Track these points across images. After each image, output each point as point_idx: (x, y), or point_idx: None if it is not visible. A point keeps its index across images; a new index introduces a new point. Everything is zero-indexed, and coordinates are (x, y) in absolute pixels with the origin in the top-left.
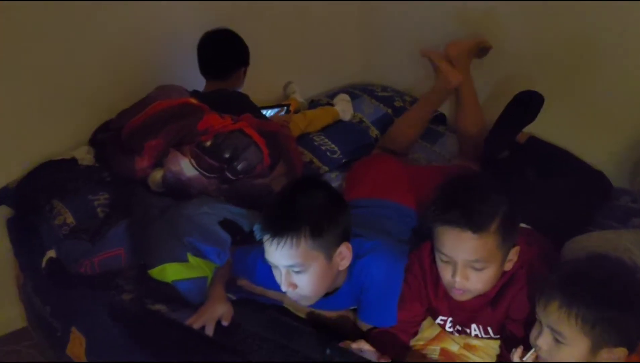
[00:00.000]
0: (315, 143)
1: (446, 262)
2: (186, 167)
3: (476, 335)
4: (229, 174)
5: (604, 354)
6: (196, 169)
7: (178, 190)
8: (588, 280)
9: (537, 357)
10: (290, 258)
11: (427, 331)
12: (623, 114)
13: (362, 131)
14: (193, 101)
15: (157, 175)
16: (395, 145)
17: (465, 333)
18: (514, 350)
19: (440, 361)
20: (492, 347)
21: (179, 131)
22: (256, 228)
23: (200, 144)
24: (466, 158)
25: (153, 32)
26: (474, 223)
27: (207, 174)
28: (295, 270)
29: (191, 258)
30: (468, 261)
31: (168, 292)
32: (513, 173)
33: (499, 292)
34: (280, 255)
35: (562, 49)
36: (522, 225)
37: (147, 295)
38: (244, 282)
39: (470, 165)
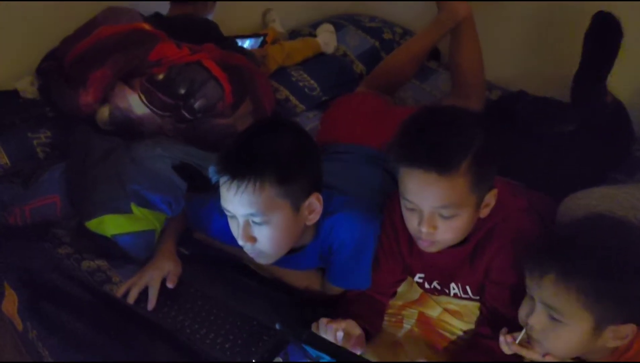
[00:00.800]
0: (293, 79)
1: (411, 210)
2: (135, 104)
3: (455, 295)
4: (185, 113)
5: (609, 333)
6: (147, 106)
7: (128, 130)
8: (589, 245)
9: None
10: (251, 206)
11: (409, 293)
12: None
13: (346, 66)
14: (146, 26)
15: (105, 112)
16: (387, 82)
17: (444, 293)
18: (501, 336)
19: (416, 331)
20: (473, 311)
21: (128, 61)
22: (212, 169)
23: (151, 77)
24: (459, 98)
25: None
26: (439, 161)
27: (159, 112)
28: (256, 221)
29: (135, 208)
30: (435, 208)
31: (109, 247)
32: (520, 124)
33: (476, 247)
34: (240, 202)
35: None
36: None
37: (86, 249)
38: (200, 235)
39: (464, 106)
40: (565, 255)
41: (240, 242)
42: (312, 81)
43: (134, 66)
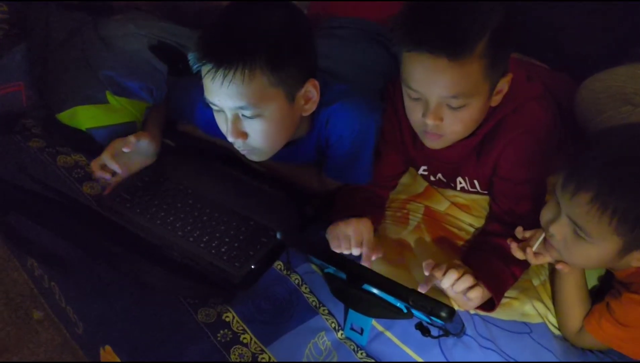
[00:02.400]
0: None
1: (415, 100)
2: None
3: (462, 189)
4: None
5: (636, 254)
6: None
7: (94, 3)
8: (636, 165)
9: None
10: (241, 98)
11: (413, 186)
12: None
13: None
14: None
15: None
16: None
17: (450, 186)
18: (510, 241)
19: (423, 225)
20: (482, 205)
21: None
22: (192, 56)
23: None
24: None
25: None
26: (451, 44)
27: None
28: (246, 115)
29: (111, 98)
30: (443, 98)
31: (85, 141)
32: None
33: (484, 140)
34: (227, 94)
35: None
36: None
37: (60, 143)
38: (186, 127)
39: None
40: (607, 174)
41: (230, 139)
42: None
43: None
